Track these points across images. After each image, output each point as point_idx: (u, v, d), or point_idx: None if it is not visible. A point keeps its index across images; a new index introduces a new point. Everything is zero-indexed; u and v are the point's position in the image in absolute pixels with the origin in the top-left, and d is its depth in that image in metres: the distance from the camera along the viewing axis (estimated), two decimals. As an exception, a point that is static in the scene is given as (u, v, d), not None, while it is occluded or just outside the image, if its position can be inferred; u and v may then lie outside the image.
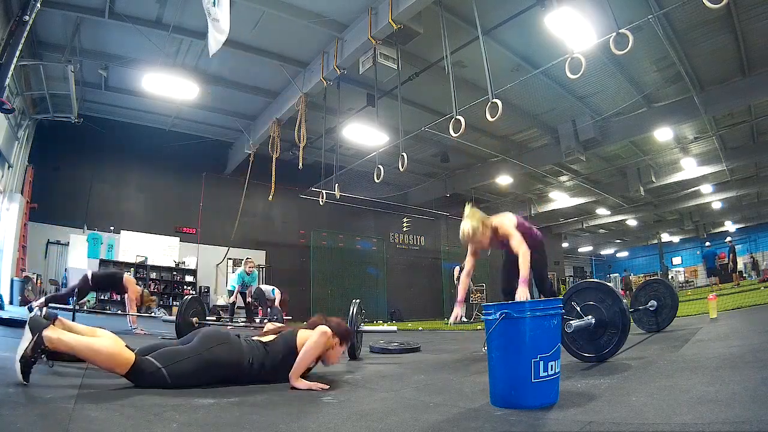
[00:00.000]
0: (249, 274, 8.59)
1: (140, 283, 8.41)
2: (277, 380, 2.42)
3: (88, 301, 8.73)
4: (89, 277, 5.76)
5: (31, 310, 5.25)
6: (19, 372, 1.84)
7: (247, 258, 8.98)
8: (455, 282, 11.14)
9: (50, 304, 5.51)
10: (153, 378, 2.06)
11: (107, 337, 2.13)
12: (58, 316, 2.10)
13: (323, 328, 2.47)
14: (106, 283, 6.00)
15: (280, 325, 2.78)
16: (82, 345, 1.97)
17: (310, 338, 2.42)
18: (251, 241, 12.37)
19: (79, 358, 2.00)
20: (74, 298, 5.62)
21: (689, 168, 13.87)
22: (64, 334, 1.98)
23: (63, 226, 9.88)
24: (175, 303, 10.38)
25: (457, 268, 11.56)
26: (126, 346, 2.10)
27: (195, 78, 8.34)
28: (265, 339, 2.52)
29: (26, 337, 1.89)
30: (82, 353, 1.98)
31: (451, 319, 3.59)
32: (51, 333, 1.92)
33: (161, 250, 11.11)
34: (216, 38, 5.99)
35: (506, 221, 3.32)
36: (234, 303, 8.67)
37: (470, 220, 3.23)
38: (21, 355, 1.85)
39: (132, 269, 10.46)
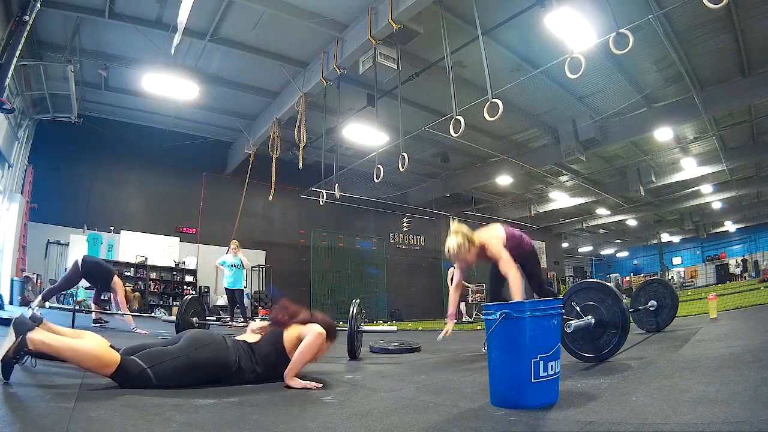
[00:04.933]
0: (234, 257, 8.16)
1: (127, 283, 8.24)
2: (265, 380, 2.42)
3: (84, 300, 8.72)
4: (79, 263, 5.65)
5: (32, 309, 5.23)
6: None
7: (233, 239, 8.57)
8: (448, 283, 11.19)
9: (49, 304, 5.49)
10: (138, 378, 2.05)
11: (91, 338, 2.13)
12: (45, 320, 2.10)
13: (319, 329, 2.46)
14: (96, 273, 5.80)
15: (264, 324, 2.72)
16: (65, 347, 1.97)
17: (306, 339, 2.40)
18: (251, 241, 12.36)
19: (64, 360, 2.00)
20: (75, 297, 5.60)
21: (689, 168, 13.88)
22: (47, 336, 1.98)
23: (63, 226, 9.88)
24: (175, 303, 10.38)
25: (451, 269, 11.58)
26: (111, 346, 2.10)
27: (195, 78, 8.35)
28: (250, 339, 2.51)
29: (9, 338, 1.91)
30: (66, 355, 1.97)
31: (440, 337, 3.59)
32: (35, 335, 1.93)
33: (161, 250, 11.11)
34: (176, 36, 6.16)
35: (494, 240, 3.24)
36: (231, 302, 8.40)
37: (455, 237, 3.15)
38: (3, 355, 1.87)
39: (132, 269, 10.46)
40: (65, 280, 5.77)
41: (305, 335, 2.44)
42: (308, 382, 2.33)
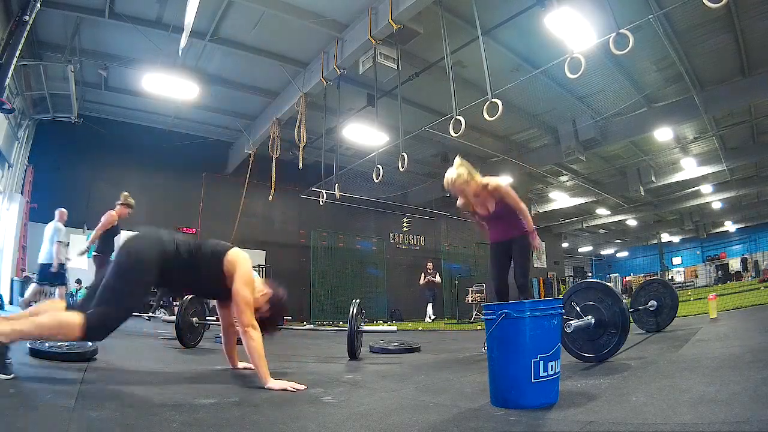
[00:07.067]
0: None
1: None
2: (201, 285, 2.39)
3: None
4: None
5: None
6: None
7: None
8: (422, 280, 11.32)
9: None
10: (105, 322, 2.01)
11: (46, 308, 2.09)
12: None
13: (242, 268, 2.35)
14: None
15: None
16: (32, 327, 1.94)
17: (247, 342, 2.27)
18: (251, 241, 12.36)
19: (39, 339, 2.00)
20: (75, 297, 5.60)
21: (689, 168, 13.88)
22: (14, 323, 1.94)
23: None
24: (175, 303, 10.36)
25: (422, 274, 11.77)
26: (67, 308, 2.07)
27: (195, 78, 8.35)
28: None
29: None
30: (35, 334, 1.96)
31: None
32: (4, 327, 1.88)
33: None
34: (183, 36, 6.17)
35: (502, 182, 3.27)
36: None
37: (456, 168, 3.14)
38: None
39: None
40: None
41: (237, 268, 2.35)
42: (288, 383, 2.24)
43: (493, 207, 3.40)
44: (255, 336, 2.28)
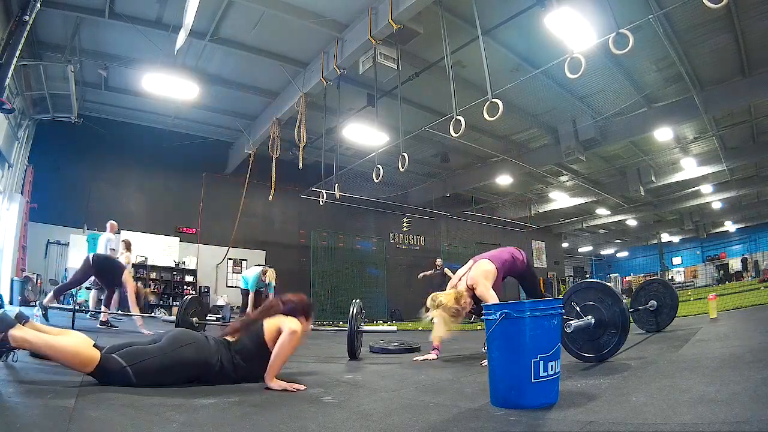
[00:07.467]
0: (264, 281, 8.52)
1: (139, 281, 8.39)
2: (249, 379, 2.41)
3: (86, 301, 8.72)
4: (90, 260, 5.68)
5: (44, 308, 5.19)
6: None
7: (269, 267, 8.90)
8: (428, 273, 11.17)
9: (51, 304, 5.48)
10: (118, 376, 2.06)
11: (73, 336, 2.16)
12: (30, 319, 2.15)
13: (292, 326, 2.39)
14: (107, 268, 5.83)
15: (242, 319, 2.72)
16: (44, 344, 2.01)
17: (281, 339, 2.35)
18: (251, 241, 12.37)
19: (45, 357, 2.04)
20: (75, 297, 5.59)
21: (689, 168, 13.88)
22: (29, 333, 2.02)
23: (63, 226, 9.88)
24: (175, 303, 10.38)
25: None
26: (95, 345, 2.12)
27: (195, 78, 8.35)
28: (231, 338, 2.50)
29: None
30: (45, 352, 2.01)
31: (420, 358, 3.60)
32: (16, 332, 1.97)
33: (161, 250, 11.10)
34: (180, 35, 6.13)
35: (481, 280, 3.26)
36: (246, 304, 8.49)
37: (446, 298, 3.20)
38: None
39: (132, 269, 10.45)
40: (77, 276, 5.76)
41: (283, 328, 2.41)
42: (289, 383, 2.28)
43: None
44: (294, 342, 2.38)
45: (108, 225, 7.75)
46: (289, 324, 2.41)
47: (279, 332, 2.40)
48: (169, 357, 2.19)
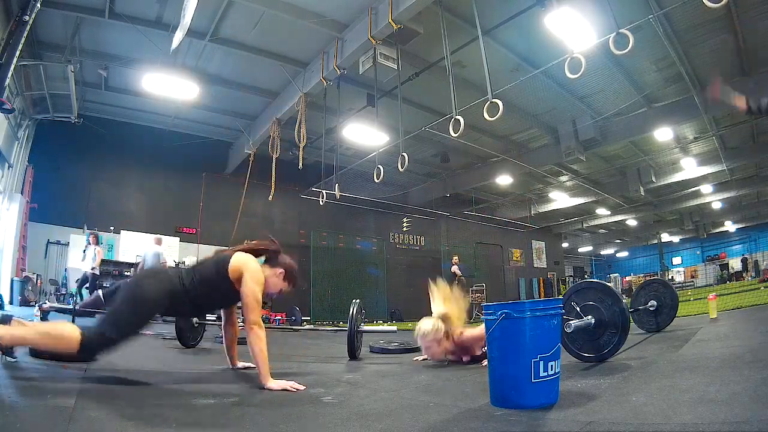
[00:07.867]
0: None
1: None
2: (213, 305, 2.46)
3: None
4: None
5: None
6: None
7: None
8: (451, 274, 11.04)
9: (49, 304, 5.48)
10: (101, 342, 2.04)
11: (54, 322, 2.24)
12: (14, 318, 2.17)
13: (254, 275, 2.34)
14: None
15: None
16: (29, 334, 2.01)
17: (249, 338, 2.28)
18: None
19: (36, 346, 2.04)
20: (75, 297, 5.58)
21: (689, 168, 13.88)
22: (14, 329, 2.02)
23: (63, 226, 9.88)
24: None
25: (454, 267, 11.46)
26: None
27: (195, 78, 8.35)
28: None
29: None
30: (33, 340, 2.01)
31: (420, 358, 3.58)
32: (1, 332, 1.99)
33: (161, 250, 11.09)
34: (177, 34, 6.15)
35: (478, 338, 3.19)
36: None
37: (434, 322, 3.19)
38: None
39: (132, 269, 10.45)
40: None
41: (245, 271, 2.34)
42: (288, 382, 2.23)
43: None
44: (261, 335, 2.29)
45: (153, 239, 8.63)
46: (252, 273, 2.34)
47: (241, 273, 2.35)
48: (133, 295, 2.18)
